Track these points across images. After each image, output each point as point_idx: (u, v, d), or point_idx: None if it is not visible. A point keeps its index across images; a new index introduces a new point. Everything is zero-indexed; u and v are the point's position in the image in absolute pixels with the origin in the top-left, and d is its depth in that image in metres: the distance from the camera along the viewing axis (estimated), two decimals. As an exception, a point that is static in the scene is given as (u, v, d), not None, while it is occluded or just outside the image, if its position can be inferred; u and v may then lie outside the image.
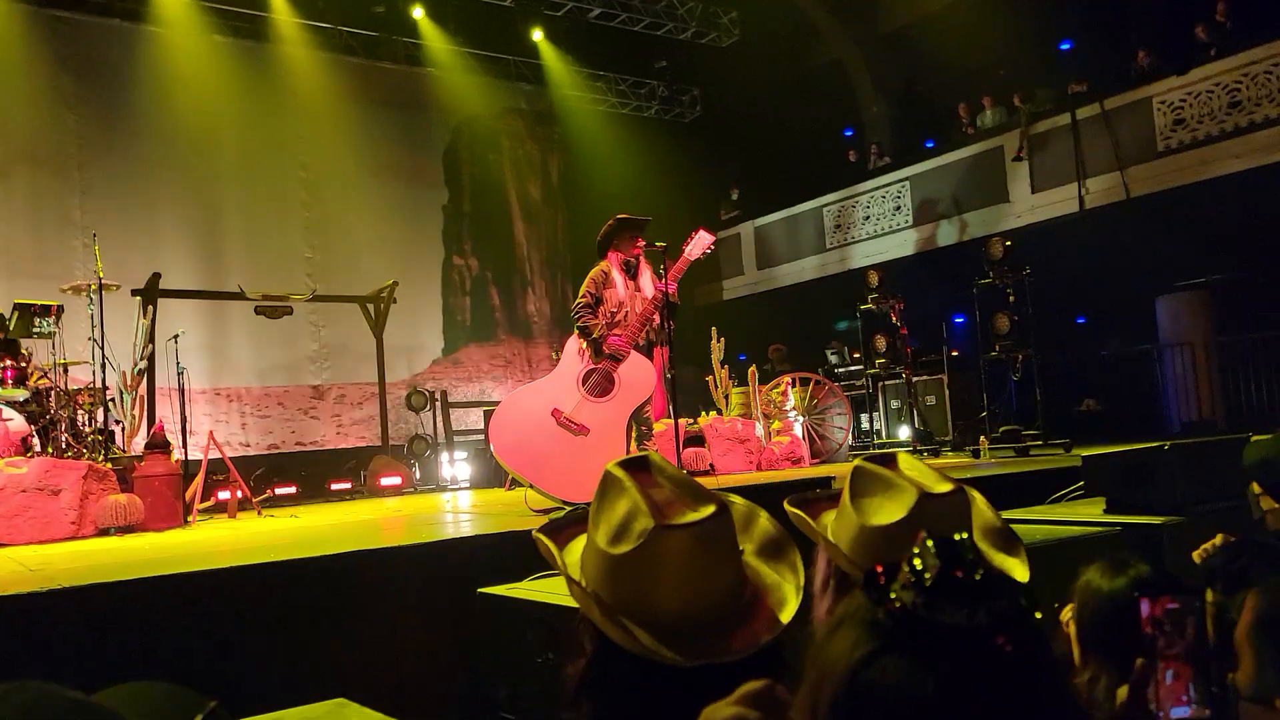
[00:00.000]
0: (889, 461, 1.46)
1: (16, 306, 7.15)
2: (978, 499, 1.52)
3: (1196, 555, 2.21)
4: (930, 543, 0.65)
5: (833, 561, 1.44)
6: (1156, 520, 3.44)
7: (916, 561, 0.65)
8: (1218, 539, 2.33)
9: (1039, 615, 0.65)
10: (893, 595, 0.64)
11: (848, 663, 0.64)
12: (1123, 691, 1.39)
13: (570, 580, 1.21)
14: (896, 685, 0.61)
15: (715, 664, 1.09)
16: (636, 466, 1.22)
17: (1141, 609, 1.17)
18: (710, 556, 1.14)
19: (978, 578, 0.63)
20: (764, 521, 1.29)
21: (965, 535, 0.67)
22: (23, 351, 7.05)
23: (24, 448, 6.53)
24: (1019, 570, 1.45)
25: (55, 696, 0.59)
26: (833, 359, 11.92)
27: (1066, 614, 1.75)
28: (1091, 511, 3.77)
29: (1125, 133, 10.42)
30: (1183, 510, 3.51)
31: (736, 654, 1.11)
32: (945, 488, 1.38)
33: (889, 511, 1.37)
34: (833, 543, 1.42)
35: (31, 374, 6.98)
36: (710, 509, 1.14)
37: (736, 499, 1.32)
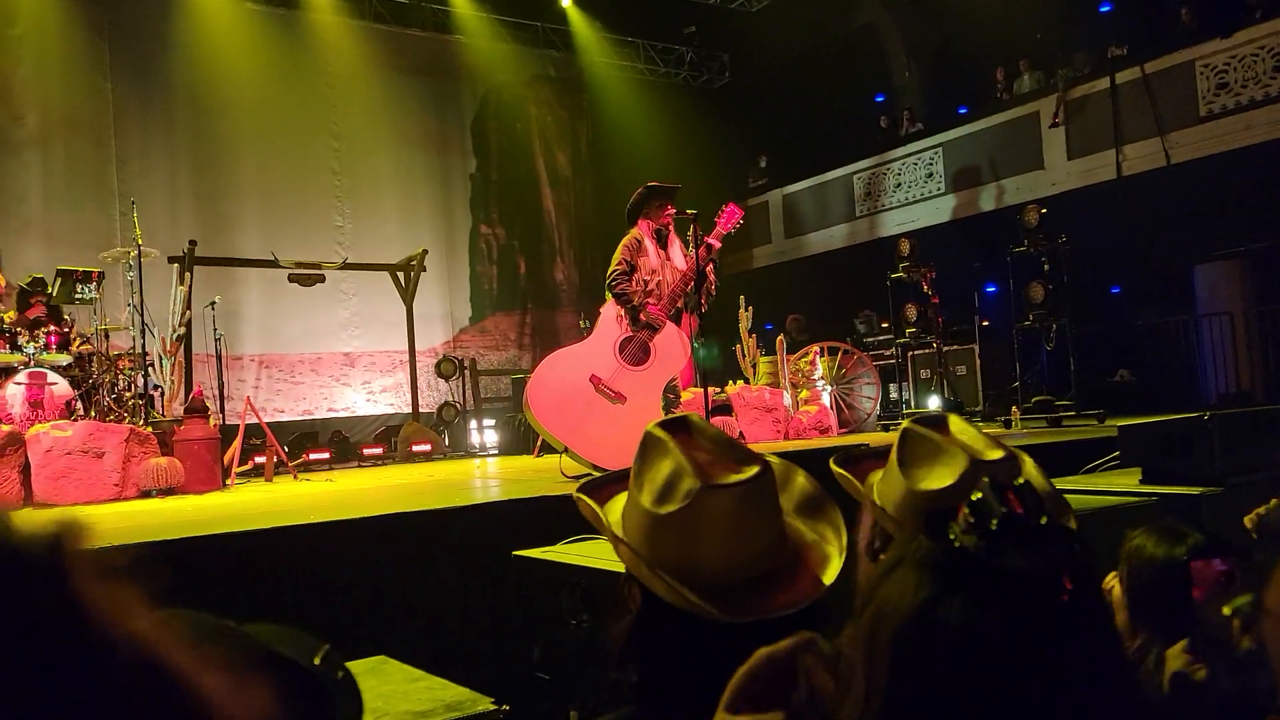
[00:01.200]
0: (939, 424, 1.44)
1: (59, 273, 7.27)
2: (1028, 463, 1.51)
3: (1248, 520, 2.19)
4: (989, 485, 0.67)
5: (878, 523, 1.44)
6: (1194, 491, 3.41)
7: (978, 505, 0.66)
8: (1273, 503, 2.30)
9: (1093, 559, 0.67)
10: (953, 538, 0.66)
11: (911, 602, 0.65)
12: (1172, 654, 1.39)
13: (615, 538, 1.22)
14: (961, 625, 0.63)
15: (760, 620, 1.11)
16: (677, 427, 1.23)
17: (1193, 574, 1.18)
18: (753, 515, 1.16)
19: (1043, 522, 0.65)
20: (801, 480, 1.31)
21: (1024, 481, 0.68)
22: (65, 317, 7.18)
23: (68, 411, 6.67)
24: None
25: (212, 623, 0.64)
26: (861, 328, 11.86)
27: (1109, 580, 1.75)
28: (1128, 482, 3.75)
29: (1166, 97, 10.20)
30: (1221, 481, 3.49)
31: (780, 611, 1.13)
32: (997, 454, 1.36)
33: (938, 477, 1.36)
34: (878, 505, 1.42)
35: (74, 339, 7.11)
36: (754, 469, 1.16)
37: (774, 458, 1.33)
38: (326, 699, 0.67)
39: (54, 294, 7.10)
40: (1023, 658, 0.62)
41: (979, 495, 0.67)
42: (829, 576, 1.18)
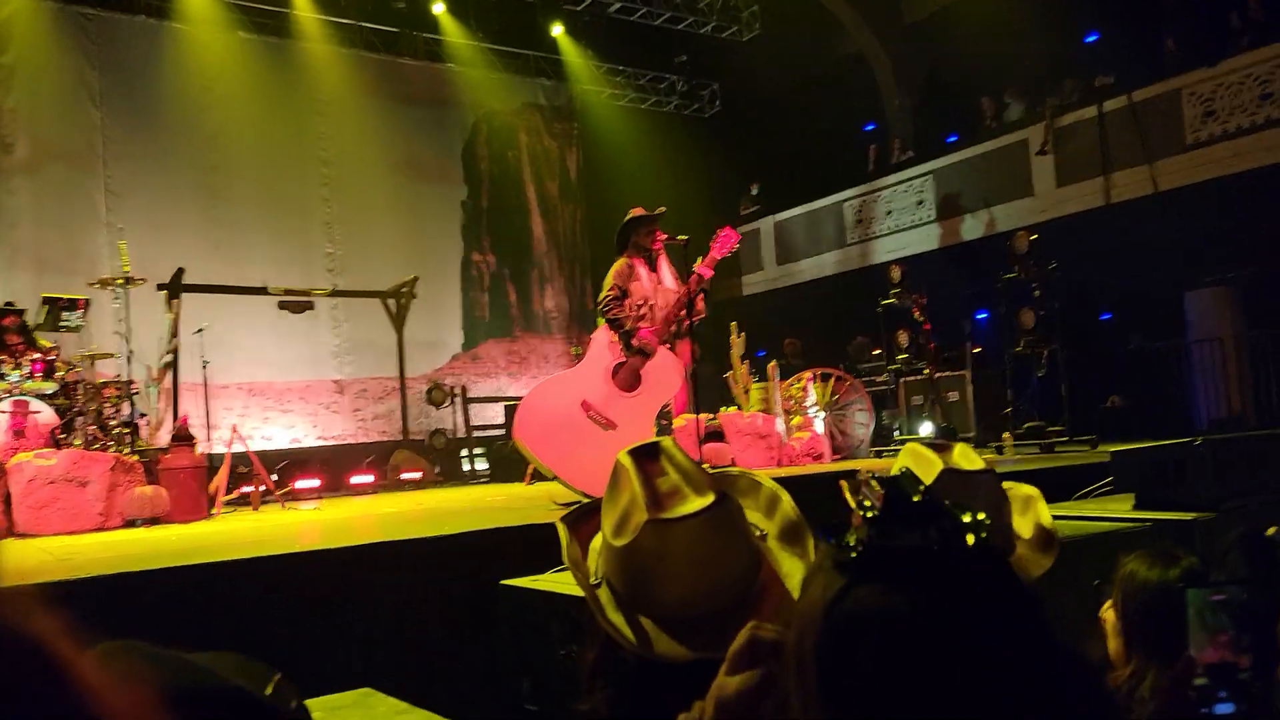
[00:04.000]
0: (943, 448, 1.45)
1: (45, 300, 7.22)
2: (1037, 498, 1.50)
3: (1271, 531, 2.15)
4: (874, 483, 0.69)
5: None
6: (1188, 516, 3.39)
7: (865, 501, 0.68)
8: None
9: (984, 525, 0.67)
10: (849, 537, 0.67)
11: (821, 604, 0.66)
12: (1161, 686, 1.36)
13: (576, 576, 1.22)
14: (870, 610, 0.63)
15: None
16: (646, 454, 1.22)
17: (1188, 598, 1.15)
18: (710, 547, 1.13)
19: (916, 499, 0.66)
20: (786, 506, 1.28)
21: (905, 469, 0.70)
22: (50, 345, 7.12)
23: (52, 440, 6.60)
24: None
25: (163, 655, 0.62)
26: (853, 355, 11.86)
27: (1106, 609, 1.72)
28: (1121, 508, 3.72)
29: (1153, 125, 10.29)
30: (1214, 507, 3.46)
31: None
32: (973, 465, 1.37)
33: None
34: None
35: (59, 367, 7.05)
36: (707, 500, 1.13)
37: (765, 480, 1.31)
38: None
39: (41, 321, 7.04)
40: (938, 633, 0.62)
41: (864, 492, 0.68)
42: (785, 614, 1.15)
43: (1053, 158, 11.23)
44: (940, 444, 1.45)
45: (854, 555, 0.66)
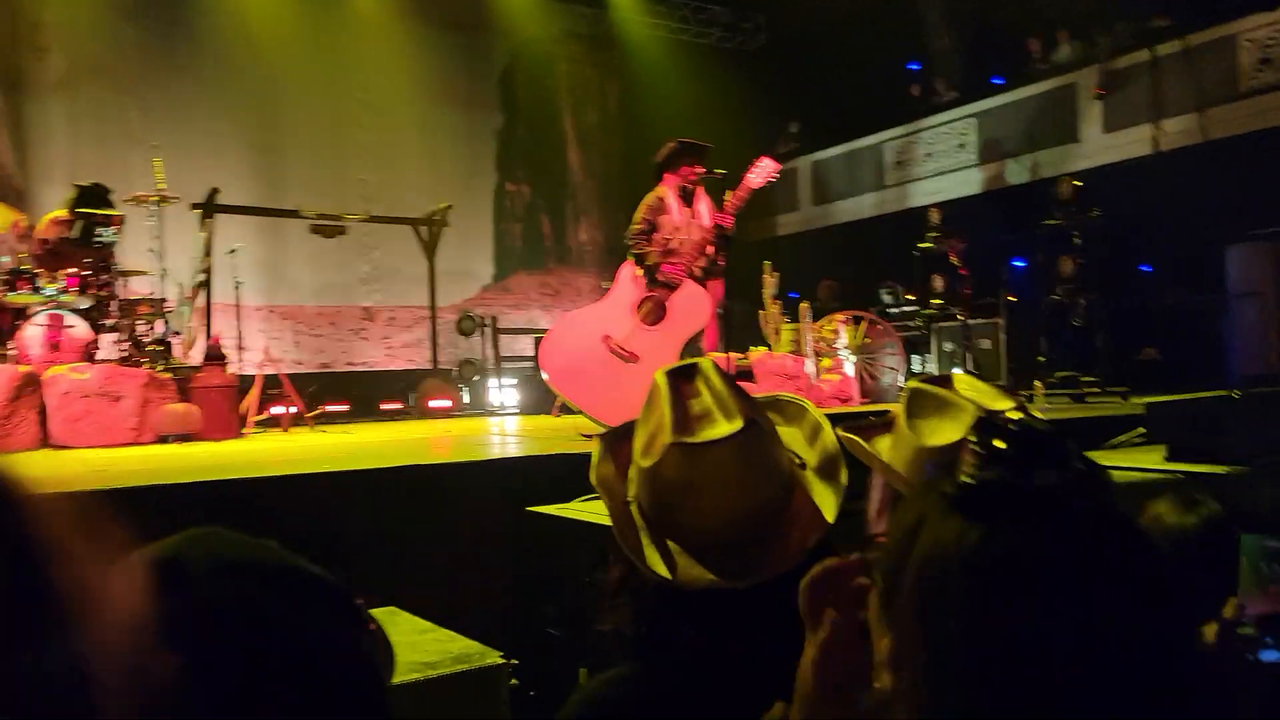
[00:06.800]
0: (945, 382, 1.42)
1: (80, 215, 7.25)
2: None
3: None
4: (977, 425, 0.66)
5: (888, 485, 1.41)
6: (1220, 470, 3.35)
7: (982, 441, 0.64)
8: None
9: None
10: (968, 479, 0.63)
11: (958, 550, 0.62)
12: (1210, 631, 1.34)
13: (602, 494, 1.22)
14: (1027, 556, 0.60)
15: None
16: (682, 375, 1.20)
17: (1241, 545, 1.13)
18: (736, 474, 1.11)
19: (1045, 429, 0.64)
20: (826, 437, 1.26)
21: (1011, 407, 0.67)
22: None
23: (87, 355, 6.69)
24: None
25: (249, 542, 0.63)
26: (886, 299, 11.72)
27: None
28: (1152, 458, 3.68)
29: (1207, 71, 9.93)
30: (1248, 461, 3.41)
31: (771, 572, 1.09)
32: (1005, 404, 1.34)
33: (946, 431, 1.32)
34: (889, 465, 1.39)
35: (94, 283, 7.07)
36: (735, 426, 1.11)
37: (811, 408, 1.28)
38: (371, 636, 0.64)
39: (76, 236, 7.08)
40: (1086, 576, 0.61)
41: (975, 436, 0.65)
42: (814, 536, 1.13)
43: (1100, 103, 10.89)
44: (942, 378, 1.41)
45: (988, 495, 0.62)
